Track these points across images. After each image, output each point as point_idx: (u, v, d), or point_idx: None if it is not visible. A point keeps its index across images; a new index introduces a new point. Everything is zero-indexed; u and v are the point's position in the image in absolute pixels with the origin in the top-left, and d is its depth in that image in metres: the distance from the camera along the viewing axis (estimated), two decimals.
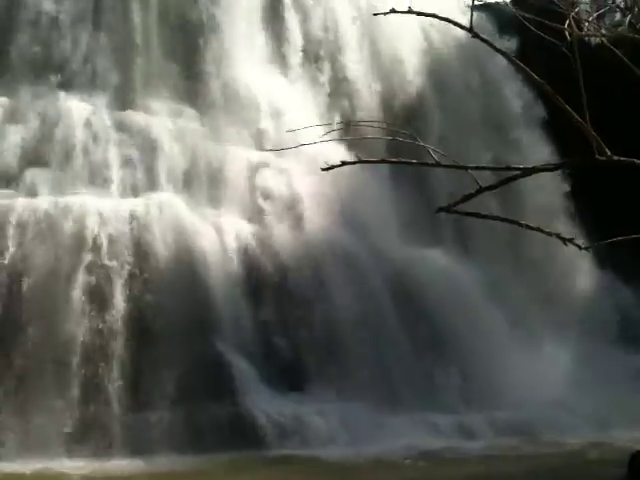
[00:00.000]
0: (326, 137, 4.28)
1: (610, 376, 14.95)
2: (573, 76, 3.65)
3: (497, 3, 19.77)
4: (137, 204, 14.91)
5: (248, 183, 16.01)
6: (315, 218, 15.82)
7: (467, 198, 3.71)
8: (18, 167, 15.48)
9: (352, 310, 14.72)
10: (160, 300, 13.87)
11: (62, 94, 16.25)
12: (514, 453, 12.82)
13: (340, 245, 15.52)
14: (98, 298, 13.66)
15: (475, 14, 3.38)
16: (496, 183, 3.81)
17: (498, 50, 3.75)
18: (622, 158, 3.64)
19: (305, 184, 16.00)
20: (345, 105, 18.00)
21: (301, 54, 18.06)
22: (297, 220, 15.68)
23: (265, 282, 14.80)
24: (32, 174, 15.40)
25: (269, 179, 16.06)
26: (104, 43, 17.01)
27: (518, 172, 3.79)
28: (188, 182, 15.88)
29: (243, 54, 17.46)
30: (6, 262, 13.77)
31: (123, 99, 16.70)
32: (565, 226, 16.95)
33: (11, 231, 14.00)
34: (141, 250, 14.22)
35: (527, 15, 4.21)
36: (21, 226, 14.09)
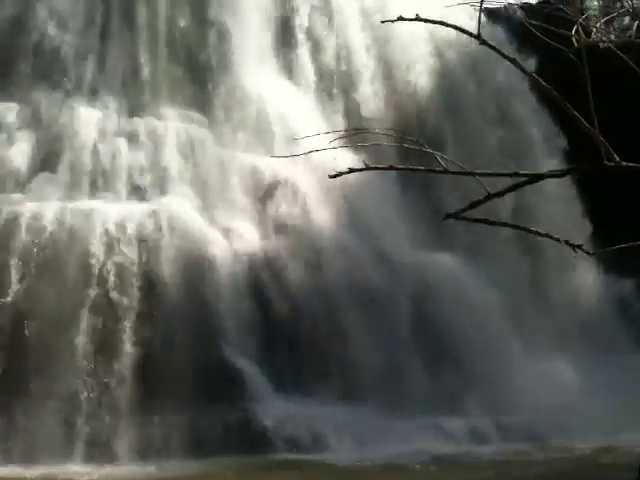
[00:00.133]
0: (334, 144, 4.28)
1: (620, 381, 14.89)
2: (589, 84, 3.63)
3: (506, 10, 19.67)
4: (145, 216, 14.68)
5: (256, 190, 16.03)
6: (322, 221, 15.83)
7: (475, 205, 3.71)
8: (28, 172, 15.53)
9: (360, 313, 14.71)
10: (169, 307, 13.86)
11: (72, 100, 16.32)
12: (524, 458, 12.80)
13: (347, 247, 15.50)
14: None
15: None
16: (504, 189, 3.80)
17: (505, 56, 3.74)
18: (631, 164, 3.63)
19: (313, 188, 16.01)
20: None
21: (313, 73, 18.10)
22: (304, 223, 15.68)
23: (273, 287, 14.79)
24: (42, 179, 15.45)
25: (277, 185, 16.08)
26: (112, 47, 17.07)
27: (526, 178, 3.78)
28: (197, 188, 15.90)
29: (253, 60, 17.48)
30: (9, 300, 13.35)
31: (132, 105, 16.74)
32: (580, 234, 16.86)
33: (14, 261, 13.61)
34: (150, 276, 14.04)
35: (535, 22, 4.21)
36: (24, 258, 13.67)
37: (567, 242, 3.69)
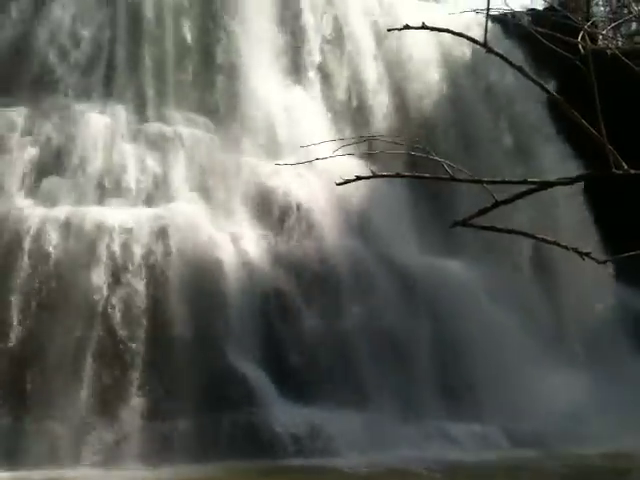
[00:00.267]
0: (341, 150, 4.29)
1: (628, 388, 14.84)
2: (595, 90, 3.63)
3: (513, 17, 19.65)
4: (153, 235, 14.55)
5: (263, 194, 16.04)
6: (330, 228, 15.83)
7: (483, 212, 3.70)
8: (35, 177, 15.56)
9: (367, 320, 14.70)
10: (177, 313, 13.87)
11: (79, 104, 16.37)
12: (531, 464, 12.77)
13: (357, 255, 15.50)
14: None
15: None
16: (512, 197, 3.79)
17: (512, 64, 3.74)
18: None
19: (320, 194, 16.02)
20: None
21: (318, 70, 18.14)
22: (312, 229, 15.68)
23: (281, 292, 14.80)
24: (49, 183, 15.49)
25: (283, 190, 16.09)
26: (120, 51, 17.15)
27: (535, 186, 3.77)
28: (204, 192, 15.92)
29: (259, 65, 17.52)
30: (11, 345, 13.10)
31: (140, 110, 16.79)
32: (595, 243, 16.84)
33: (15, 299, 13.41)
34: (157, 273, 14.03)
35: (542, 30, 4.20)
36: (25, 295, 13.47)
37: (575, 250, 3.68)
